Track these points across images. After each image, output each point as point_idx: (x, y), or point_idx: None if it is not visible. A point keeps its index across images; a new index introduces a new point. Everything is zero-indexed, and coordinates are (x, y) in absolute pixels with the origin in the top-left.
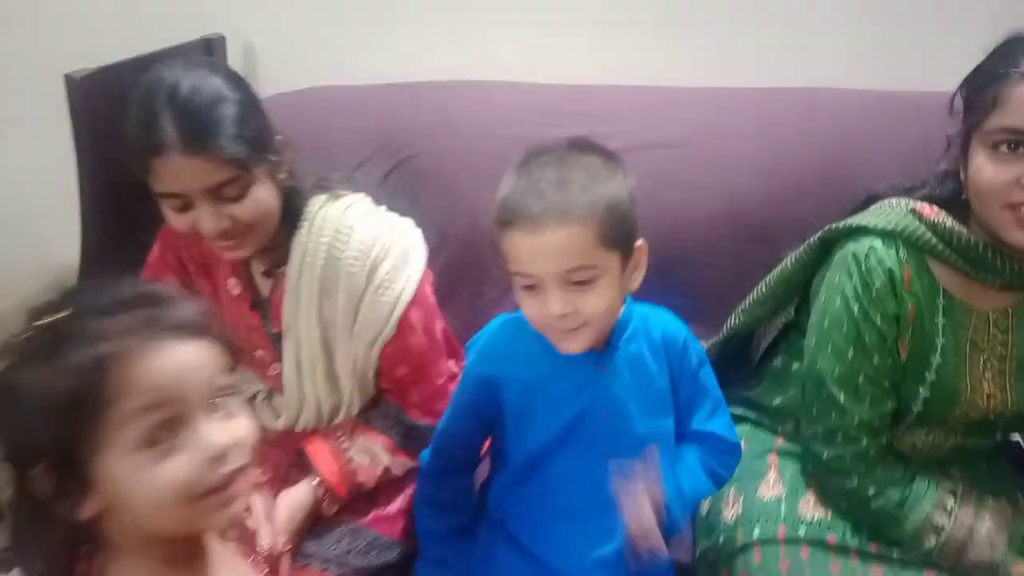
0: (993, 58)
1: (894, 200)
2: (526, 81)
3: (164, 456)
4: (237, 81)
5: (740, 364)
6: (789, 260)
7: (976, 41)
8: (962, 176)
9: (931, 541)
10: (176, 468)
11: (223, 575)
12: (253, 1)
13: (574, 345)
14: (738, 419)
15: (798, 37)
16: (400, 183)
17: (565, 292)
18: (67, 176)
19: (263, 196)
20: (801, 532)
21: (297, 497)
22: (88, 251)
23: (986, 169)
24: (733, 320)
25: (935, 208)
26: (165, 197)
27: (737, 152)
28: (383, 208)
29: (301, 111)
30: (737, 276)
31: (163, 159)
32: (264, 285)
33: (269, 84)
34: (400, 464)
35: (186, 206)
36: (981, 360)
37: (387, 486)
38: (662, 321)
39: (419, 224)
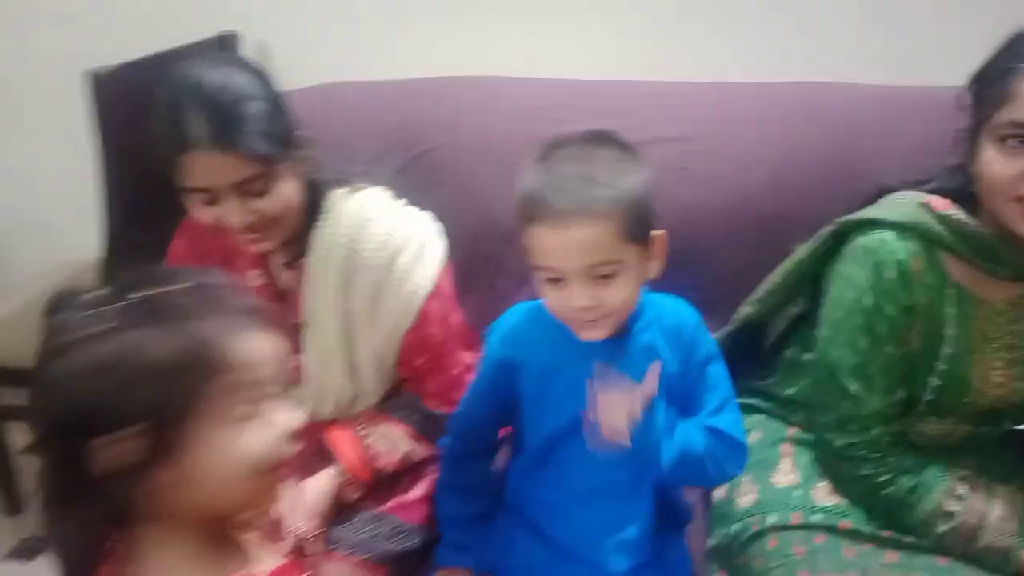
0: (1001, 53)
1: (905, 193)
2: (539, 76)
3: (247, 430)
4: (263, 78)
5: (751, 355)
6: (801, 252)
7: (983, 36)
8: (971, 170)
9: (943, 527)
10: (256, 441)
11: (252, 558)
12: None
13: (595, 333)
14: (751, 409)
15: (807, 33)
16: (415, 178)
17: (588, 285)
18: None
19: (287, 190)
20: (816, 518)
21: (321, 484)
22: (110, 244)
23: (995, 163)
24: (744, 310)
25: (945, 201)
26: (192, 192)
27: (747, 146)
28: (402, 201)
29: (316, 107)
30: (747, 268)
31: (192, 155)
32: (284, 277)
33: (283, 81)
34: (419, 451)
35: (213, 200)
36: (991, 350)
37: (408, 474)
38: (676, 309)
39: (434, 218)
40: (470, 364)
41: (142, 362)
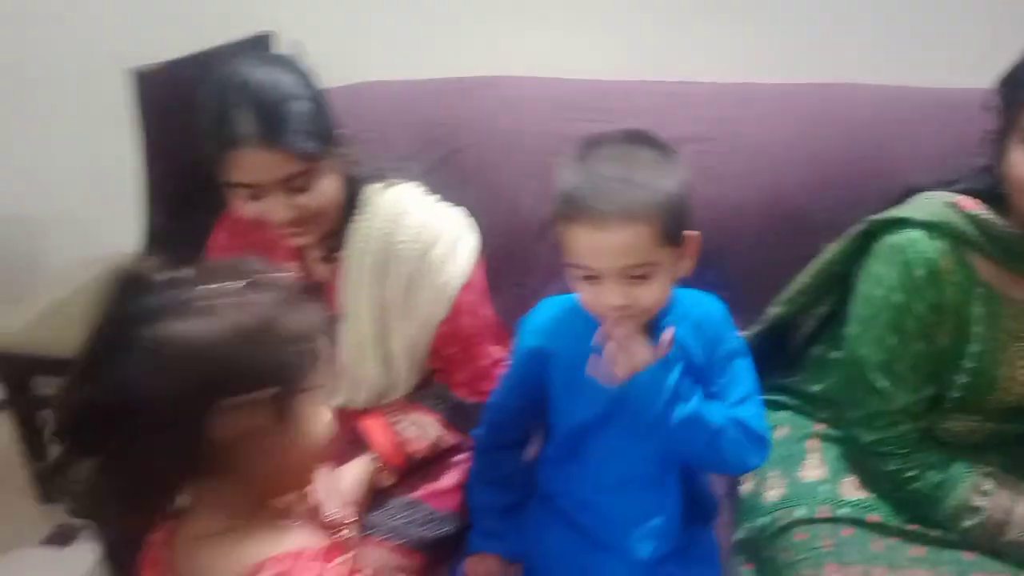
0: None
1: (933, 193)
2: (568, 76)
3: (323, 408)
4: (306, 77)
5: (779, 353)
6: (830, 251)
7: (1012, 38)
8: (999, 171)
9: (969, 521)
10: (327, 419)
11: (290, 538)
12: (301, 1)
13: (627, 330)
14: (778, 406)
15: (832, 33)
16: (445, 175)
17: (622, 284)
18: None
19: (328, 186)
20: (843, 512)
21: (355, 471)
22: (150, 239)
23: (1021, 165)
24: (774, 310)
25: (973, 201)
26: (238, 187)
27: (772, 146)
28: (435, 197)
29: (348, 106)
30: (772, 267)
31: (239, 152)
32: (320, 270)
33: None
34: (448, 438)
35: (257, 196)
36: (1017, 348)
37: (441, 462)
38: (703, 303)
39: (466, 214)
40: (499, 357)
41: (280, 329)
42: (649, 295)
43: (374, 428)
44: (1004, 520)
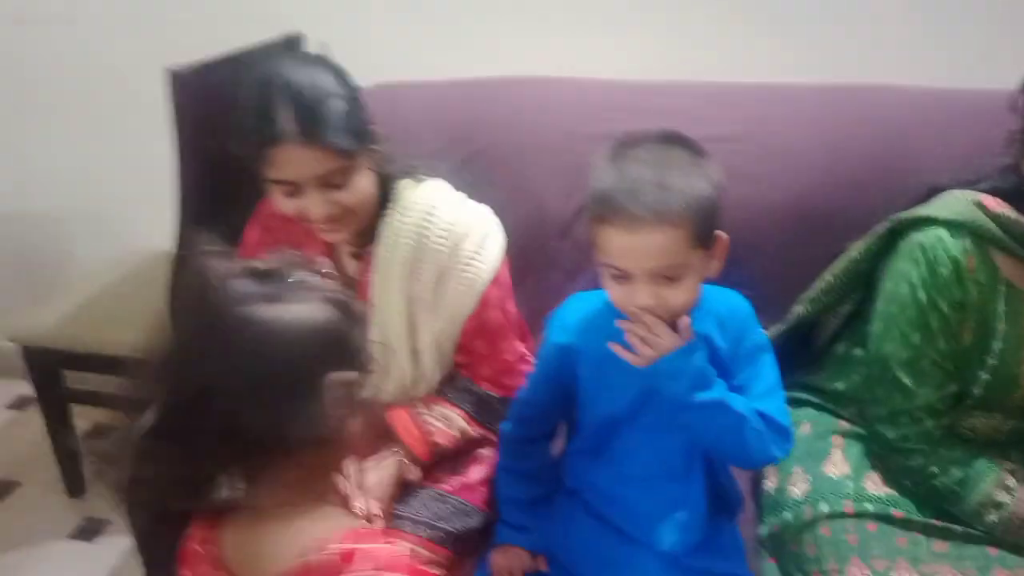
0: None
1: (958, 192)
2: (592, 77)
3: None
4: (343, 76)
5: (803, 351)
6: (855, 250)
7: None
8: (1023, 170)
9: (992, 517)
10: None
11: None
12: (328, 2)
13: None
14: (801, 403)
15: (858, 34)
16: (470, 174)
17: (653, 285)
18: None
19: (364, 183)
20: (868, 507)
21: (383, 464)
22: (183, 236)
23: None
24: (799, 308)
25: (998, 200)
26: (277, 184)
27: (798, 146)
28: (462, 194)
29: (375, 106)
30: (799, 266)
31: (280, 149)
32: (351, 265)
33: None
34: (473, 431)
35: (295, 192)
36: None
37: (467, 456)
38: (728, 299)
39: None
40: (522, 353)
41: (357, 315)
42: (679, 296)
43: (399, 420)
44: None
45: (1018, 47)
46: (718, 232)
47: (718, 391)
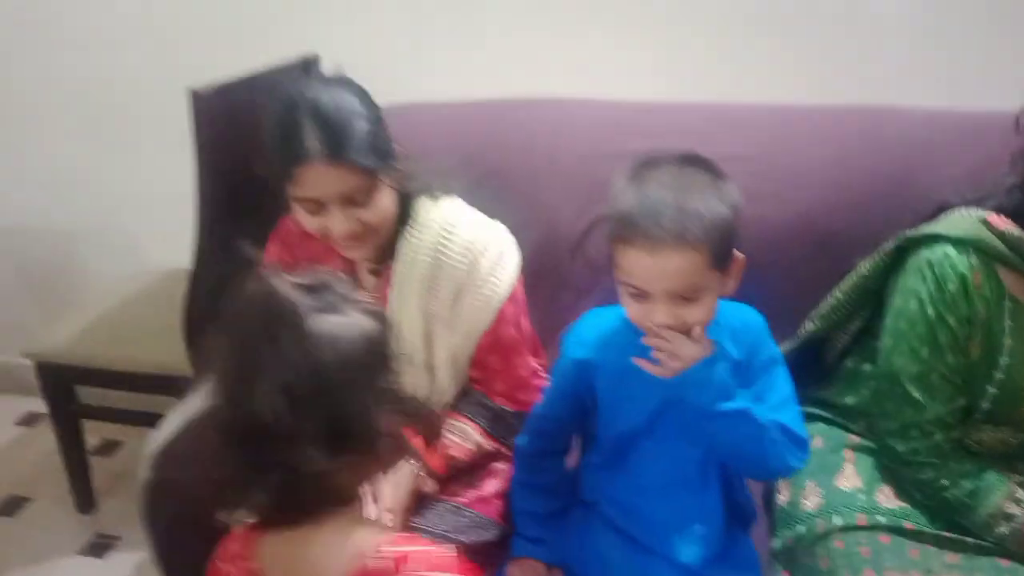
0: None
1: (964, 210)
2: (600, 98)
3: None
4: (366, 96)
5: (813, 366)
6: (864, 267)
7: None
8: None
9: (1003, 529)
10: None
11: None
12: (344, 24)
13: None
14: (812, 417)
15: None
16: (483, 193)
17: (670, 305)
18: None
19: (385, 201)
20: (880, 520)
21: (399, 477)
22: (202, 252)
23: None
24: (809, 325)
25: (1003, 218)
26: (301, 201)
27: (807, 166)
28: (479, 212)
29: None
30: (808, 284)
31: (306, 168)
32: (369, 281)
33: None
34: (487, 444)
35: (319, 210)
36: None
37: (483, 470)
38: (742, 312)
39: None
40: (536, 369)
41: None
42: (696, 315)
43: (411, 433)
44: None
45: (1018, 69)
46: (735, 252)
47: (742, 401)
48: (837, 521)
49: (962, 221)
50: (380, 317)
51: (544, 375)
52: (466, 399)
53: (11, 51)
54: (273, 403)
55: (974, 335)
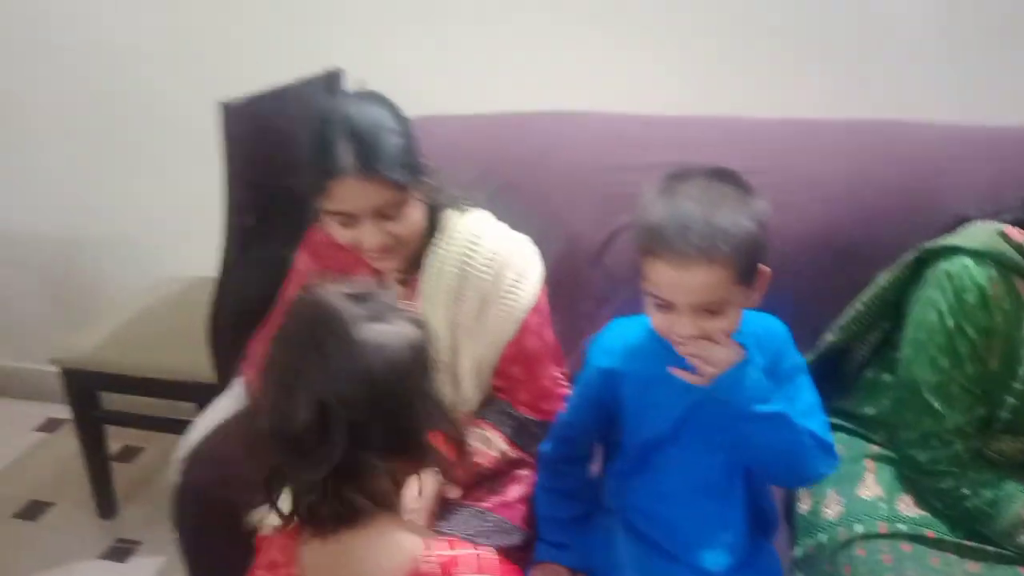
0: None
1: (982, 223)
2: (618, 112)
3: None
4: (397, 111)
5: (833, 377)
6: (883, 279)
7: None
8: None
9: (1023, 537)
10: None
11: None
12: (363, 38)
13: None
14: (833, 428)
15: (882, 72)
16: (503, 205)
17: (695, 317)
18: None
19: (415, 214)
20: (902, 528)
21: (424, 483)
22: (228, 260)
23: None
24: (829, 336)
25: (1020, 231)
26: (334, 215)
27: (826, 179)
28: (504, 224)
29: None
30: (827, 297)
31: (339, 182)
32: (397, 291)
33: None
34: (512, 452)
35: (351, 223)
36: None
37: (507, 476)
38: (766, 321)
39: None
40: (558, 378)
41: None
42: (720, 326)
43: (440, 440)
44: None
45: None
46: (761, 266)
47: (778, 404)
48: (859, 529)
49: (980, 233)
50: (422, 325)
51: (566, 384)
52: (490, 407)
53: (40, 63)
54: (321, 409)
55: (992, 345)
